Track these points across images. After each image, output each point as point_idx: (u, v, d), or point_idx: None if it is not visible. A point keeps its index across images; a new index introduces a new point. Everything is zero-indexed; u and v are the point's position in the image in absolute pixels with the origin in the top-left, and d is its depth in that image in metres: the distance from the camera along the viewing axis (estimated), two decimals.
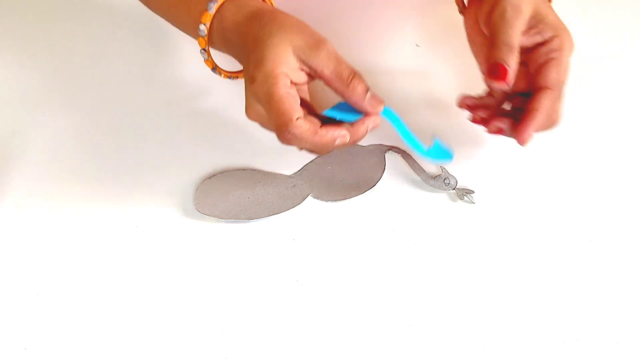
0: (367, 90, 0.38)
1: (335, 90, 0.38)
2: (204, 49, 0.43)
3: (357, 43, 0.55)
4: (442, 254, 0.41)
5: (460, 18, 0.58)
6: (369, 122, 0.38)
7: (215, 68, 0.45)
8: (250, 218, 0.42)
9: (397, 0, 0.59)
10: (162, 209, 0.43)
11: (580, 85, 0.52)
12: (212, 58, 0.44)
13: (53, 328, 0.37)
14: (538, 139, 0.47)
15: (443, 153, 0.42)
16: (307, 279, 0.40)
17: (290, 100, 0.36)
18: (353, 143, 0.39)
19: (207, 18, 0.41)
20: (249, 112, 0.38)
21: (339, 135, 0.37)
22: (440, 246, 0.42)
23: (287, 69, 0.37)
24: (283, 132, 0.35)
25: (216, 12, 0.41)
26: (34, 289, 0.39)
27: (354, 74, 0.38)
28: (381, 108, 0.39)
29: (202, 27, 0.41)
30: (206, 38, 0.42)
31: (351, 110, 0.38)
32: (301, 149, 0.38)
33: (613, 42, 0.57)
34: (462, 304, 0.39)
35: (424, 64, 0.54)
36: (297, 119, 0.35)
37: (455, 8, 0.61)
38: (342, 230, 0.42)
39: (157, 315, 0.38)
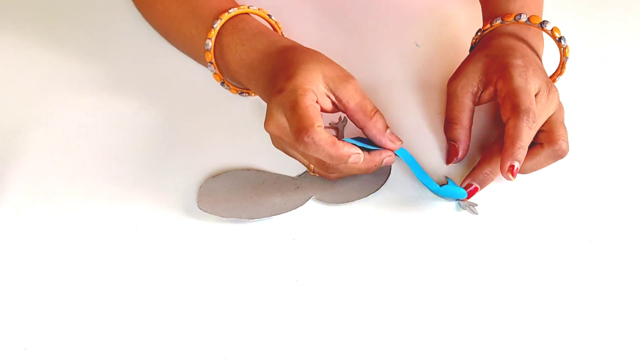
0: (387, 127, 0.41)
1: (357, 123, 0.41)
2: (210, 62, 0.46)
3: (357, 43, 0.55)
4: (443, 254, 0.41)
5: (459, 18, 0.58)
6: (385, 155, 0.41)
7: (224, 82, 0.47)
8: (251, 217, 0.42)
9: (397, 0, 0.59)
10: (164, 207, 0.43)
11: (580, 85, 0.52)
12: (219, 71, 0.45)
13: (53, 328, 0.37)
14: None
15: (457, 191, 0.44)
16: (307, 279, 0.40)
17: (314, 110, 0.38)
18: (366, 171, 0.42)
19: (213, 33, 0.44)
20: (269, 123, 0.39)
21: (354, 152, 0.39)
22: (441, 246, 0.42)
23: (315, 89, 0.39)
24: (302, 135, 0.36)
25: (243, 44, 0.44)
26: (34, 289, 0.39)
27: (377, 110, 0.41)
28: (399, 145, 0.42)
29: (208, 43, 0.45)
30: (212, 51, 0.45)
31: (369, 145, 0.42)
32: (311, 162, 0.41)
33: (612, 42, 0.57)
34: (462, 304, 0.39)
35: (424, 64, 0.54)
36: (318, 126, 0.37)
37: (454, 8, 0.61)
38: (343, 231, 0.42)
39: (157, 316, 0.38)
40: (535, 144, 0.44)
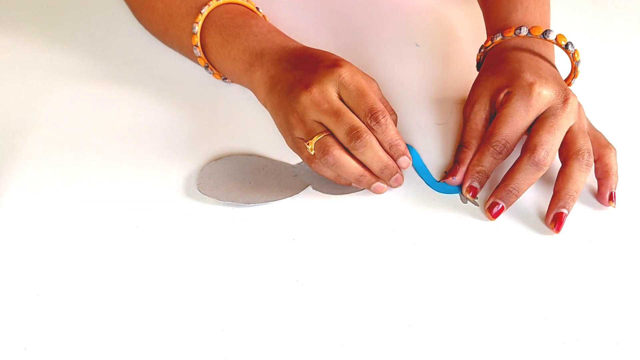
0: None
1: None
2: (196, 45, 0.48)
3: (357, 43, 0.55)
4: (443, 253, 0.41)
5: (460, 18, 0.58)
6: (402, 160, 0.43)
7: (208, 66, 0.47)
8: (248, 202, 0.43)
9: (397, 0, 0.59)
10: (165, 198, 0.43)
11: (580, 85, 0.52)
12: (204, 55, 0.47)
13: (53, 328, 0.37)
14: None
15: (451, 187, 0.45)
16: (307, 279, 0.40)
17: None
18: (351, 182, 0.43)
19: (201, 18, 0.47)
20: (315, 89, 0.40)
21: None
22: (441, 246, 0.42)
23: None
24: (380, 115, 0.40)
25: (256, 35, 0.46)
26: (34, 289, 0.39)
27: (394, 111, 0.45)
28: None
29: (195, 26, 0.47)
30: (198, 35, 0.47)
31: None
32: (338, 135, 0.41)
33: (606, 43, 0.57)
34: (462, 304, 0.39)
35: (424, 64, 0.54)
36: None
37: (454, 8, 0.61)
38: (343, 231, 0.42)
39: (157, 316, 0.38)
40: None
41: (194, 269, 0.40)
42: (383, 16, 0.57)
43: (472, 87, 0.47)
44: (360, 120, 0.40)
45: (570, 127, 0.43)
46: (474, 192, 0.43)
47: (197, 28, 0.47)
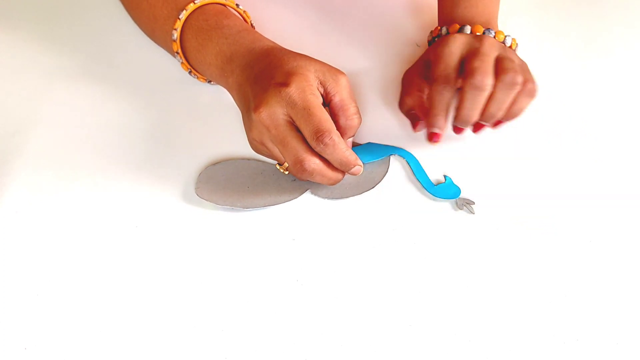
0: (353, 136, 0.43)
1: (335, 116, 0.41)
2: (177, 52, 0.47)
3: (357, 43, 0.55)
4: (442, 254, 0.41)
5: None
6: (355, 170, 0.41)
7: (191, 71, 0.49)
8: (246, 207, 0.43)
9: (397, 0, 0.59)
10: (165, 201, 0.43)
11: (576, 87, 0.52)
12: (187, 61, 0.48)
13: (53, 328, 0.37)
14: (538, 145, 0.48)
15: (452, 191, 0.45)
16: (307, 278, 0.40)
17: (327, 113, 0.40)
18: (334, 182, 0.42)
19: (179, 24, 0.46)
20: (262, 111, 0.39)
21: (359, 163, 0.41)
22: (441, 246, 0.42)
23: (314, 85, 0.40)
24: (325, 136, 0.38)
25: (226, 38, 0.45)
26: (34, 289, 0.39)
27: (358, 114, 0.42)
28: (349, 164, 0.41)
29: (174, 33, 0.46)
30: (178, 42, 0.47)
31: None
32: (287, 161, 0.40)
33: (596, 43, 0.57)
34: (462, 304, 0.39)
35: None
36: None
37: None
38: (343, 231, 0.42)
39: (157, 316, 0.38)
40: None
41: (193, 269, 0.40)
42: (383, 16, 0.57)
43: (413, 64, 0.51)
44: (307, 141, 0.39)
45: (497, 55, 0.45)
46: (436, 137, 0.46)
47: (176, 35, 0.46)
